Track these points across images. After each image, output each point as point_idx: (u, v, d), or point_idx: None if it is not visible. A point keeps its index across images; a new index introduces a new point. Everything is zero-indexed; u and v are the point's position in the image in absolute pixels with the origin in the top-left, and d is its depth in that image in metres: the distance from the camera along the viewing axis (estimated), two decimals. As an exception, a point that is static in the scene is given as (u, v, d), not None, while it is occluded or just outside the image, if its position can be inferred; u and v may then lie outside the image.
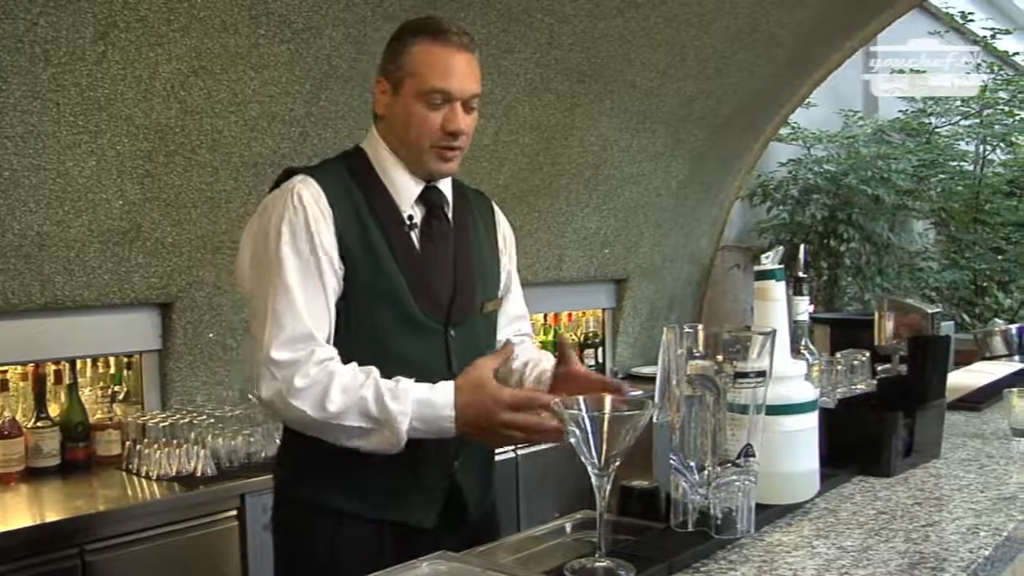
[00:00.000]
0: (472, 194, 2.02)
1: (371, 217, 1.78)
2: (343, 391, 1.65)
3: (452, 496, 1.82)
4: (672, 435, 1.42)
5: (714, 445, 1.39)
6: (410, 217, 1.82)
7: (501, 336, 2.01)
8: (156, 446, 2.90)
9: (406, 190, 1.83)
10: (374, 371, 1.68)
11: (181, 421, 2.99)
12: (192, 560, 2.73)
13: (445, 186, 1.90)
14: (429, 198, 1.85)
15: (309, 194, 1.74)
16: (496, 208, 2.07)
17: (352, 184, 1.80)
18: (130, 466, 2.95)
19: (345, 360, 1.72)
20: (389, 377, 1.69)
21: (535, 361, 1.98)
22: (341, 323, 1.76)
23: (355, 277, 1.75)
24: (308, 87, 3.24)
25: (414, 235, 1.82)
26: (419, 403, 1.64)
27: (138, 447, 2.94)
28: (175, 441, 2.91)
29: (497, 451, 2.01)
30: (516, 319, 2.07)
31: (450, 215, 1.89)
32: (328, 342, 1.73)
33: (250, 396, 3.33)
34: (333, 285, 1.74)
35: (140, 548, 2.61)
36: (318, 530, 1.77)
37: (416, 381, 1.70)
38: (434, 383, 1.69)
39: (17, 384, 3.03)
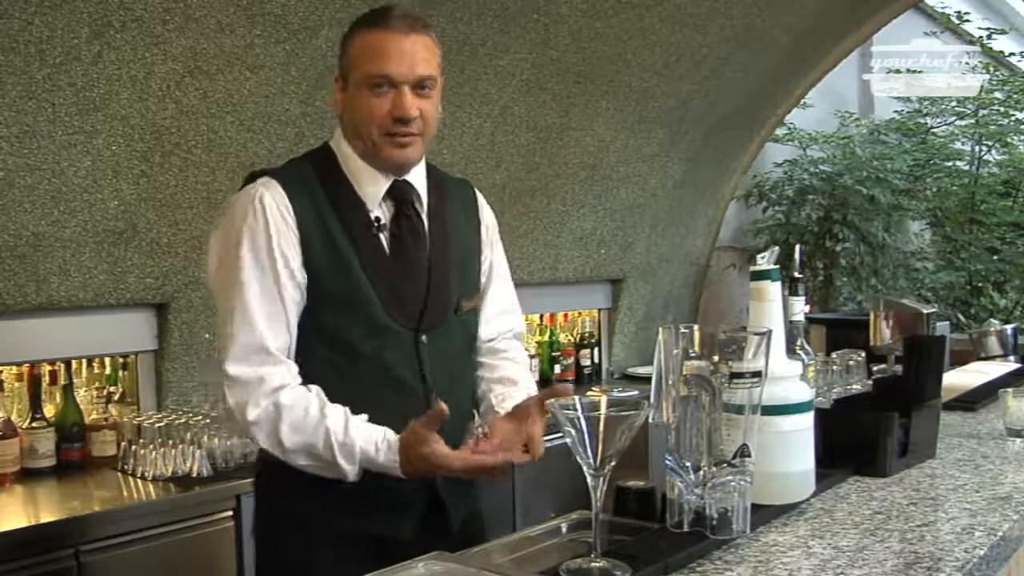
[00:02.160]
0: (452, 182, 1.95)
1: (336, 220, 1.73)
2: (293, 430, 1.65)
3: (432, 506, 1.78)
4: (668, 435, 1.42)
5: (710, 445, 1.39)
6: (377, 219, 1.77)
7: (487, 332, 1.94)
8: (152, 447, 2.89)
9: (372, 187, 1.77)
10: (327, 412, 1.66)
11: (177, 422, 2.99)
12: (188, 561, 2.72)
13: (417, 178, 1.83)
14: (398, 194, 1.79)
15: (271, 198, 1.70)
16: (479, 196, 2.00)
17: (317, 185, 1.75)
18: (125, 467, 2.95)
19: (321, 368, 1.70)
20: (363, 385, 1.69)
21: (505, 395, 1.88)
22: (313, 330, 1.72)
23: (320, 284, 1.71)
24: (304, 87, 3.24)
25: (383, 237, 1.77)
26: (365, 459, 1.65)
27: (134, 448, 2.94)
28: (171, 442, 2.91)
29: None
30: (503, 313, 1.98)
31: (423, 209, 1.83)
32: (288, 355, 1.71)
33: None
34: (294, 297, 1.70)
35: (136, 549, 2.60)
36: (296, 542, 1.74)
37: (389, 391, 1.71)
38: (406, 393, 1.70)
39: (12, 384, 3.02)
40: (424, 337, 1.78)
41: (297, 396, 1.67)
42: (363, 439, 1.65)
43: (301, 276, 1.71)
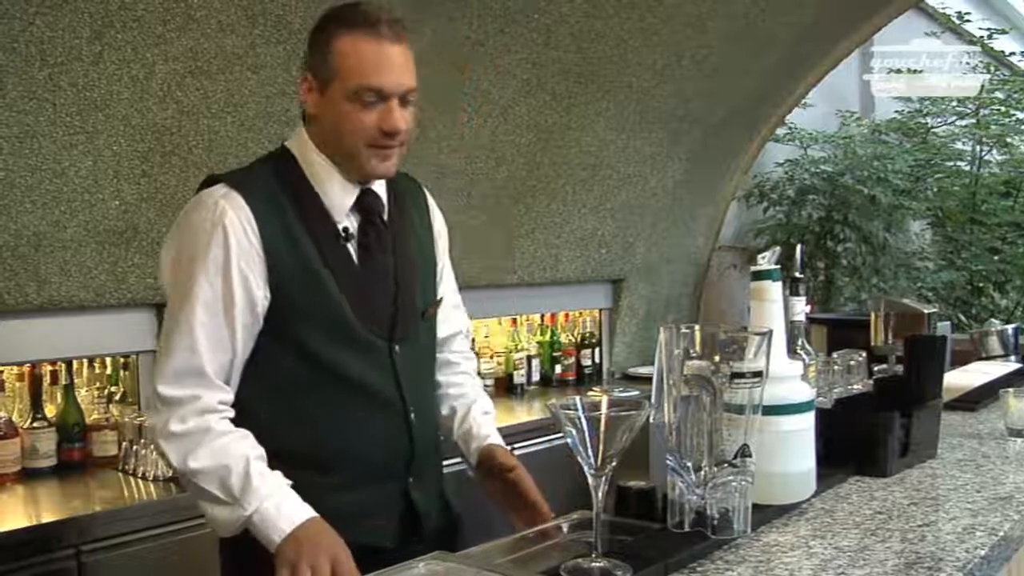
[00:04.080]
0: (404, 184, 1.87)
1: (304, 233, 1.66)
2: (211, 454, 1.57)
3: (408, 515, 1.76)
4: (668, 435, 1.42)
5: (710, 445, 1.39)
6: (345, 229, 1.71)
7: (443, 330, 1.93)
8: (152, 447, 2.89)
9: (340, 198, 1.71)
10: (253, 454, 1.59)
11: (177, 422, 2.99)
12: (189, 561, 2.72)
13: (379, 187, 1.78)
14: (364, 204, 1.74)
15: (233, 214, 1.61)
16: (429, 196, 1.94)
17: (281, 195, 1.67)
18: (126, 467, 2.95)
19: (296, 387, 1.67)
20: (341, 400, 1.67)
21: (463, 410, 1.91)
22: (288, 348, 1.67)
23: (291, 298, 1.65)
24: (305, 87, 3.24)
25: (351, 247, 1.72)
26: (274, 504, 1.55)
27: (134, 448, 2.94)
28: (171, 442, 2.90)
29: (446, 463, 1.94)
30: (455, 308, 1.97)
31: (386, 217, 1.78)
32: (225, 380, 1.64)
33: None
34: (245, 321, 1.63)
35: (136, 549, 2.61)
36: (271, 555, 1.61)
37: (366, 404, 1.68)
38: (383, 404, 1.69)
39: (13, 385, 3.03)
40: (397, 347, 1.75)
41: (229, 427, 1.62)
42: (280, 481, 1.59)
43: (262, 297, 1.64)
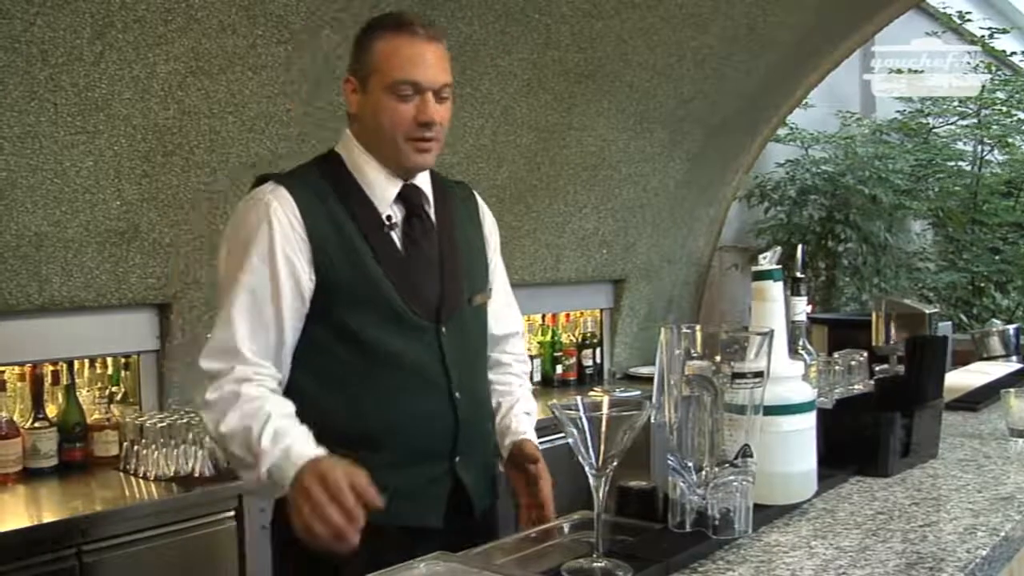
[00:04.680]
0: (454, 186, 1.99)
1: (349, 221, 1.76)
2: (239, 417, 1.63)
3: (456, 494, 1.81)
4: (670, 435, 1.42)
5: (712, 446, 1.39)
6: (389, 218, 1.80)
7: (498, 328, 2.00)
8: (154, 447, 2.90)
9: (383, 190, 1.80)
10: (278, 411, 1.64)
11: (179, 421, 2.99)
12: (190, 561, 2.73)
13: (423, 182, 1.87)
14: (408, 197, 1.83)
15: (279, 206, 1.72)
16: (479, 199, 2.04)
17: (327, 189, 1.77)
18: (128, 467, 2.95)
19: (343, 370, 1.72)
20: (388, 382, 1.70)
21: (506, 407, 1.98)
22: (335, 333, 1.74)
23: (339, 284, 1.73)
24: (306, 87, 3.24)
25: (395, 236, 1.80)
26: (283, 451, 1.59)
27: (136, 448, 2.94)
28: (173, 442, 2.91)
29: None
30: (509, 307, 2.05)
31: (431, 212, 1.87)
32: (270, 360, 1.71)
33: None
34: (293, 305, 1.72)
35: (138, 549, 2.61)
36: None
37: (412, 384, 1.72)
38: (429, 384, 1.73)
39: (14, 385, 3.03)
40: (444, 328, 1.81)
41: (263, 392, 1.68)
42: (299, 437, 1.63)
43: (308, 280, 1.73)
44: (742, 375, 1.38)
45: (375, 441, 1.74)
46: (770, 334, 1.42)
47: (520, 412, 1.98)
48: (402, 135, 1.75)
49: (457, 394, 1.81)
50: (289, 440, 1.61)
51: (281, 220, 1.71)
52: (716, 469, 1.39)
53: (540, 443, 1.97)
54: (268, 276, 1.70)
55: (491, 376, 2.01)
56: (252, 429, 1.62)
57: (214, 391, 1.67)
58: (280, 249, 1.70)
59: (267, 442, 1.60)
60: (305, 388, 1.75)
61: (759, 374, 1.39)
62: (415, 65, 1.73)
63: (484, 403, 1.94)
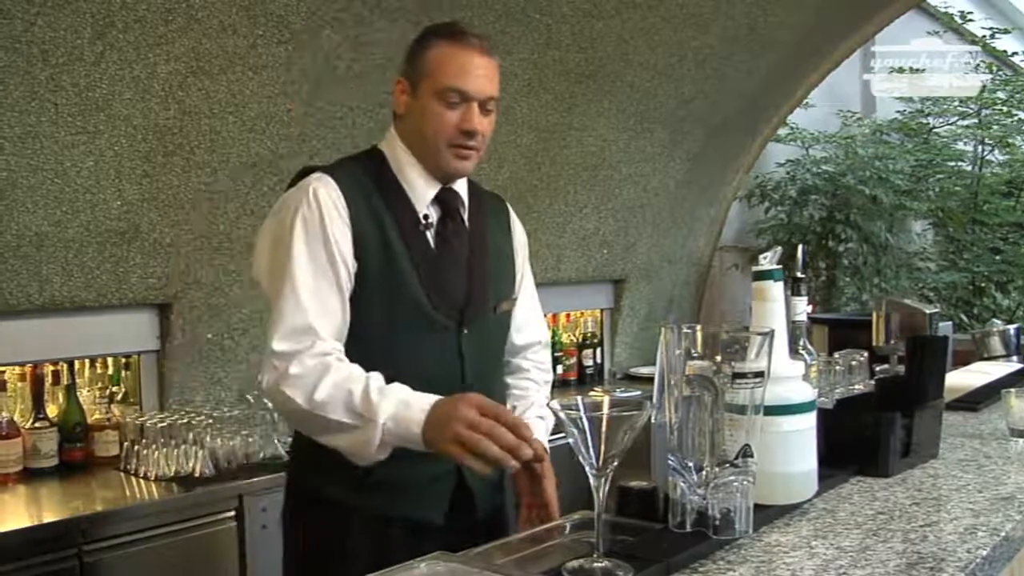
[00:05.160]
0: (488, 196, 2.03)
1: (388, 216, 1.80)
2: (334, 384, 1.65)
3: (459, 492, 1.82)
4: (670, 436, 1.42)
5: (712, 446, 1.39)
6: (426, 216, 1.84)
7: (520, 339, 2.03)
8: (154, 447, 2.90)
9: (422, 191, 1.84)
10: (374, 374, 1.67)
11: (179, 422, 2.99)
12: (190, 561, 2.73)
13: (461, 187, 1.91)
14: (445, 199, 1.87)
15: (325, 192, 1.76)
16: (511, 211, 2.08)
17: (369, 183, 1.81)
18: (128, 467, 2.95)
19: (356, 360, 1.72)
20: (399, 379, 1.69)
21: (520, 410, 1.98)
22: (355, 323, 1.77)
23: (370, 275, 1.77)
24: (306, 88, 3.24)
25: (429, 235, 1.84)
26: (400, 402, 1.62)
27: (136, 448, 2.94)
28: (173, 442, 2.91)
29: None
30: (535, 322, 2.08)
31: (466, 216, 1.91)
32: (339, 339, 1.74)
33: (252, 394, 3.33)
34: (345, 281, 1.75)
35: (138, 549, 2.61)
36: (328, 524, 1.78)
37: (426, 382, 1.70)
38: (443, 384, 1.70)
39: (15, 385, 3.03)
40: (466, 330, 1.84)
41: (346, 364, 1.70)
42: (403, 387, 1.65)
43: (352, 265, 1.76)
44: (743, 375, 1.38)
45: None
46: (771, 334, 1.42)
47: (532, 416, 1.99)
48: (444, 140, 1.79)
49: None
50: (402, 392, 1.63)
51: (327, 205, 1.74)
52: (717, 469, 1.39)
53: (541, 443, 1.96)
54: (324, 251, 1.73)
55: (509, 380, 2.04)
56: (354, 391, 1.63)
57: (298, 365, 1.66)
58: (330, 231, 1.73)
59: (376, 396, 1.61)
60: None
61: (760, 374, 1.39)
62: (466, 74, 1.78)
63: None
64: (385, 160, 1.86)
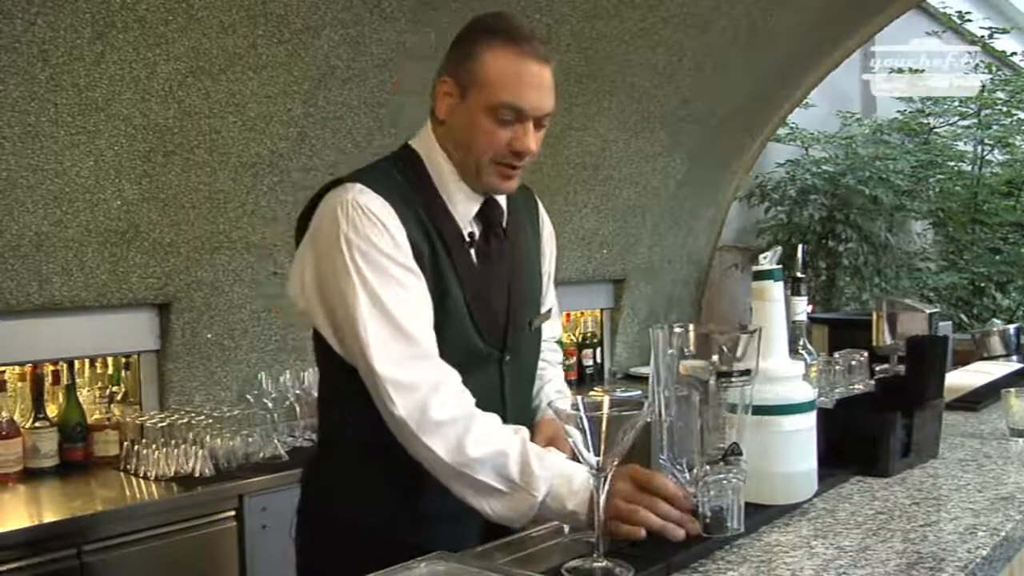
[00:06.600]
0: (520, 194, 1.83)
1: (436, 233, 1.63)
2: (482, 439, 1.49)
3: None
4: (661, 435, 1.42)
5: (702, 445, 1.39)
6: (471, 235, 1.68)
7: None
8: (154, 446, 2.90)
9: (464, 205, 1.68)
10: (523, 430, 1.54)
11: (179, 421, 2.99)
12: (190, 561, 2.73)
13: (501, 197, 1.75)
14: (487, 213, 1.71)
15: (376, 206, 1.57)
16: (540, 203, 1.94)
17: (412, 195, 1.63)
18: (128, 466, 2.95)
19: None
20: None
21: (537, 388, 1.90)
22: None
23: None
24: (306, 87, 3.24)
25: (473, 253, 1.69)
26: (561, 476, 1.47)
27: (136, 447, 2.94)
28: (173, 441, 2.91)
29: None
30: (553, 317, 1.98)
31: (505, 226, 1.76)
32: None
33: (252, 394, 3.33)
34: (422, 289, 1.59)
35: (138, 548, 2.61)
36: (356, 554, 1.55)
37: None
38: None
39: (15, 384, 3.03)
40: (507, 356, 1.73)
41: (487, 413, 1.56)
42: (558, 455, 1.50)
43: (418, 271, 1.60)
44: (732, 374, 1.38)
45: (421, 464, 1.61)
46: (758, 332, 1.42)
47: (552, 391, 1.91)
48: (490, 158, 1.62)
49: (508, 421, 1.69)
50: (566, 467, 1.49)
51: (384, 218, 1.56)
52: (707, 468, 1.39)
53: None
54: (400, 274, 1.57)
55: None
56: (508, 455, 1.48)
57: (439, 410, 1.50)
58: (393, 238, 1.56)
59: (537, 467, 1.47)
60: (356, 409, 1.61)
61: (746, 372, 1.40)
62: (527, 90, 1.59)
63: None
64: (423, 166, 1.68)
